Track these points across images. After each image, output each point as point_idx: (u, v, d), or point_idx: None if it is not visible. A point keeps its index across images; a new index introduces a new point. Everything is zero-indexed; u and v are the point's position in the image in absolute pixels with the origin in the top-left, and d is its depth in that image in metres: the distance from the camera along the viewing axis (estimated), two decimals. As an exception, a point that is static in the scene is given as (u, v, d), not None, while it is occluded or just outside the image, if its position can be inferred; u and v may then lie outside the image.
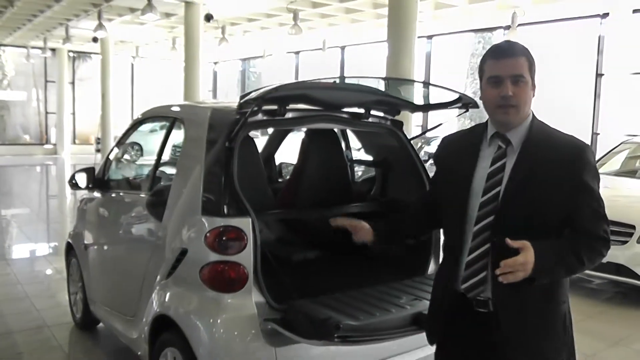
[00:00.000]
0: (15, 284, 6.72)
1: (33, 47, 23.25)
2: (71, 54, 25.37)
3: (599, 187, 2.24)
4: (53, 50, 23.65)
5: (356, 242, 2.75)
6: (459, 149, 2.45)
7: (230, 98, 24.31)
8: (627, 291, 6.75)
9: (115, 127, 20.12)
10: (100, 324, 5.15)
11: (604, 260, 6.51)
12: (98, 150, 20.97)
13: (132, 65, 27.06)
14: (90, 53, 25.05)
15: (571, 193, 2.18)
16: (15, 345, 4.96)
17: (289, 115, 3.51)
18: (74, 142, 25.70)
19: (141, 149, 15.46)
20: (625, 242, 6.23)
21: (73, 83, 25.89)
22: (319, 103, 3.63)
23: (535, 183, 2.19)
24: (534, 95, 2.28)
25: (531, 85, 2.24)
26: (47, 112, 25.63)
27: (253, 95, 3.09)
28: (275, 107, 3.40)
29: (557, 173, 2.19)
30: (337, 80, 3.43)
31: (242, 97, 3.17)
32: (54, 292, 6.49)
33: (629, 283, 6.39)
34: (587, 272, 6.60)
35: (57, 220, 11.82)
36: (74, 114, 25.83)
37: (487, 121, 2.38)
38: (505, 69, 2.21)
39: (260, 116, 3.39)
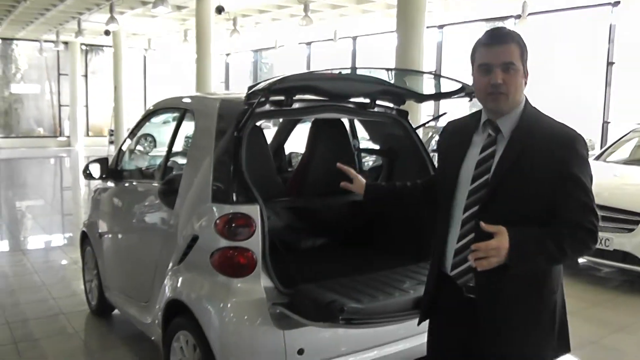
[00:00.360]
0: (31, 273, 6.87)
1: (46, 41, 23.42)
2: (84, 47, 25.52)
3: (590, 179, 2.20)
4: (65, 43, 23.80)
5: (343, 188, 2.85)
6: (456, 135, 2.46)
7: (241, 89, 24.38)
8: (634, 279, 6.78)
9: (128, 119, 20.30)
10: (115, 311, 5.27)
11: (612, 247, 6.59)
12: (111, 142, 21.13)
13: (145, 57, 27.18)
14: (103, 46, 25.18)
15: (559, 183, 2.15)
16: (32, 332, 5.09)
17: (296, 105, 3.60)
18: (87, 134, 25.90)
19: (154, 140, 15.63)
20: (632, 230, 6.27)
21: (86, 76, 26.06)
22: (325, 93, 3.71)
23: (522, 172, 2.18)
24: (526, 83, 2.27)
25: (523, 73, 2.23)
26: (60, 105, 25.83)
27: (260, 86, 3.19)
28: (282, 97, 3.50)
29: (546, 162, 2.17)
30: (342, 71, 3.50)
31: (249, 88, 3.28)
32: (69, 281, 6.63)
33: (636, 271, 6.42)
34: (595, 259, 6.68)
35: (72, 211, 11.98)
36: (87, 106, 26.01)
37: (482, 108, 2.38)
38: (495, 56, 2.20)
39: (268, 107, 3.48)
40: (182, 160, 4.24)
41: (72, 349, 4.86)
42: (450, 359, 2.48)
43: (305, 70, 20.58)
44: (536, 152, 2.19)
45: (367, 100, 3.94)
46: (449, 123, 2.64)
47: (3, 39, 24.25)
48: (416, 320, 2.69)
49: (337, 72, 3.49)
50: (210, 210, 3.31)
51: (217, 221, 3.23)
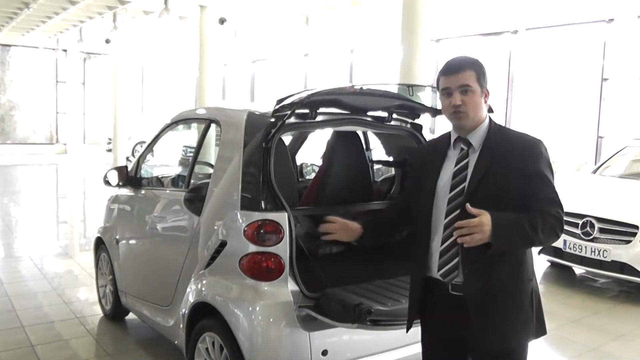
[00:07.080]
0: (40, 279, 6.98)
1: (45, 48, 23.50)
2: (83, 55, 25.59)
3: (553, 177, 2.53)
4: (65, 50, 23.90)
5: (341, 240, 3.03)
6: (430, 155, 2.77)
7: (243, 101, 24.52)
8: (631, 289, 6.99)
9: (125, 128, 20.36)
10: (128, 316, 5.41)
11: (609, 259, 6.82)
12: (109, 150, 21.15)
13: (143, 67, 27.26)
14: (102, 54, 25.27)
15: (527, 181, 2.46)
16: (48, 335, 5.20)
17: (319, 118, 3.78)
18: (84, 142, 25.93)
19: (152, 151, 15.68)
20: (629, 241, 6.48)
21: (84, 83, 26.11)
22: (347, 107, 3.90)
23: (494, 177, 2.48)
24: (486, 102, 2.60)
25: (481, 93, 2.56)
26: (57, 112, 25.85)
27: (289, 100, 3.37)
28: (307, 111, 3.67)
29: (514, 165, 2.48)
30: (363, 86, 3.70)
31: (278, 101, 3.44)
32: (79, 287, 6.78)
33: (633, 281, 6.64)
34: (593, 270, 6.87)
35: (73, 218, 12.05)
36: (84, 114, 26.05)
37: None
38: (453, 82, 2.54)
39: (293, 119, 3.65)
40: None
41: (89, 352, 4.97)
42: (448, 358, 2.71)
43: (303, 83, 20.78)
44: (504, 158, 2.51)
45: (385, 114, 4.12)
46: (420, 147, 3.13)
47: (1, 45, 24.28)
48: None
49: (358, 87, 3.67)
50: (239, 217, 3.47)
51: (246, 228, 3.39)
